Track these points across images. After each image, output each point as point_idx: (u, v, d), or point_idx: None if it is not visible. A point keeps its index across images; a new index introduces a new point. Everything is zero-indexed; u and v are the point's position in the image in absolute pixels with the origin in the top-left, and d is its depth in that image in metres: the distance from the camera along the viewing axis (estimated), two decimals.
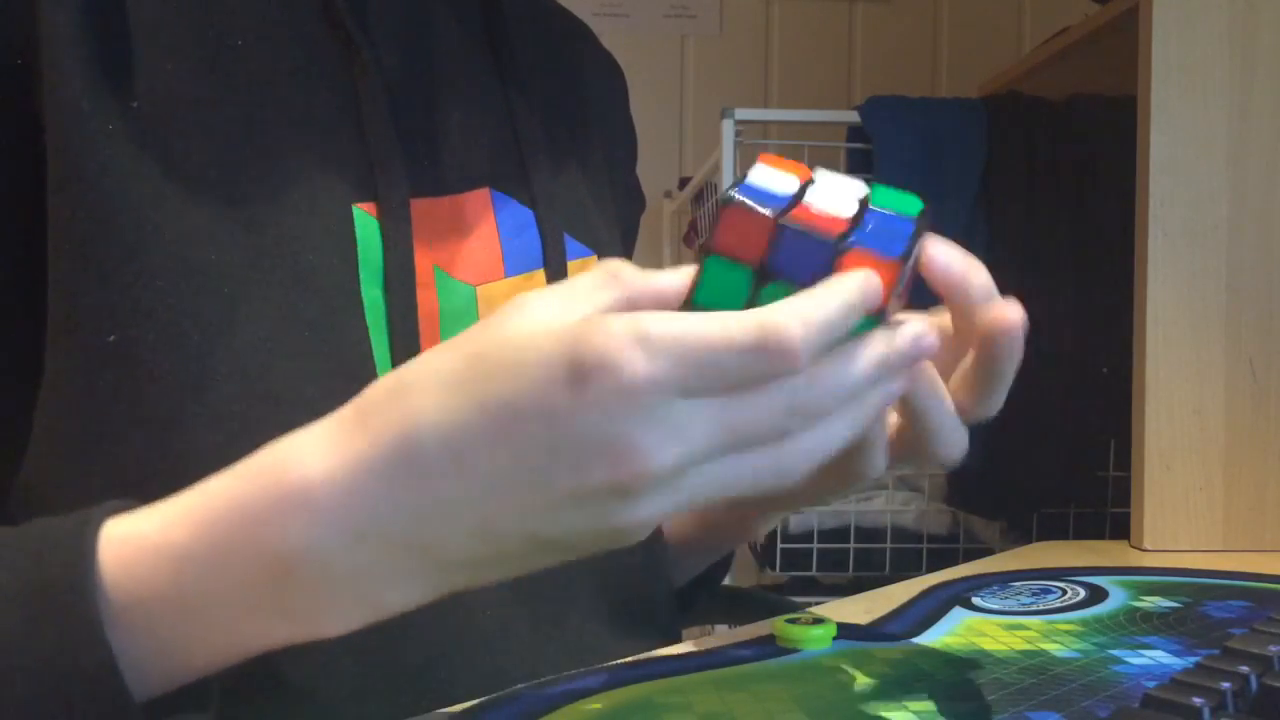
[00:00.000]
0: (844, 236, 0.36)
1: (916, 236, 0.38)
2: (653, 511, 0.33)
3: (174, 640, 0.35)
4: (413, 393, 0.34)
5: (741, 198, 0.36)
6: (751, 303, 0.36)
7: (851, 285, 0.35)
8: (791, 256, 0.36)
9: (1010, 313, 0.41)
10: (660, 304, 0.36)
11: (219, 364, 0.44)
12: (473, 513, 0.33)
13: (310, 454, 0.35)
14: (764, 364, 0.32)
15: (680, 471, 0.32)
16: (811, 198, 0.37)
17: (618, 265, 0.37)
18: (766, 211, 0.36)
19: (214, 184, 0.45)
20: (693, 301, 0.37)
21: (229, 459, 0.40)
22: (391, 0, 0.54)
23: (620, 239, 0.68)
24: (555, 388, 0.32)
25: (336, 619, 0.35)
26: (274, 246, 0.46)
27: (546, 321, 0.34)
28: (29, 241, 0.43)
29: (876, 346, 0.35)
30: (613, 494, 0.32)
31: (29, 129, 0.43)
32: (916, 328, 0.36)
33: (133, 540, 0.35)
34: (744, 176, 0.38)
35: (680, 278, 0.37)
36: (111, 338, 0.43)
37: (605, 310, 0.35)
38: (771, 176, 0.38)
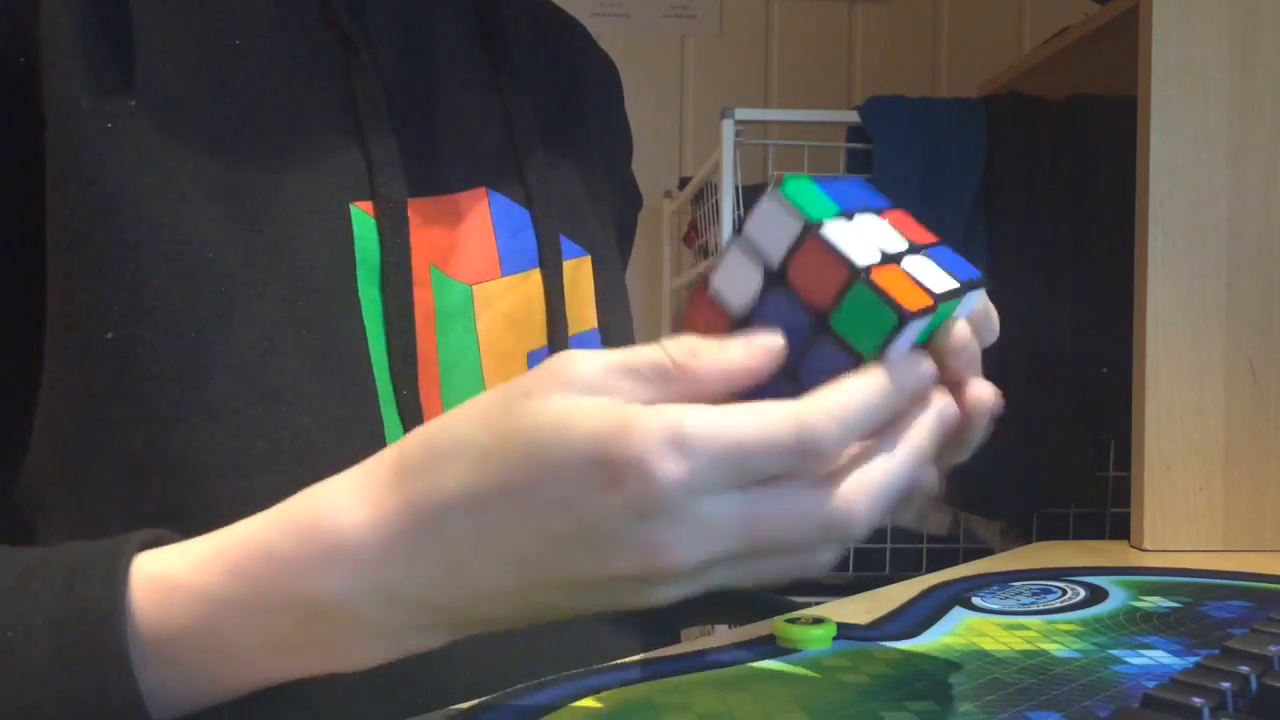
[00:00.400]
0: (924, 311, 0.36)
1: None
2: (674, 595, 0.34)
3: (200, 674, 0.36)
4: (446, 464, 0.34)
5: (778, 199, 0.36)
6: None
7: (883, 381, 0.35)
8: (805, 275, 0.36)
9: (982, 393, 0.40)
10: (712, 396, 0.35)
11: (216, 362, 0.44)
12: (498, 586, 0.34)
13: (345, 507, 0.35)
14: (799, 464, 0.33)
15: (703, 569, 0.33)
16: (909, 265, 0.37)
17: (684, 354, 0.34)
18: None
19: (212, 182, 0.45)
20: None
21: (225, 456, 0.40)
22: (389, 1, 0.54)
23: (616, 238, 0.68)
24: (586, 485, 0.32)
25: (362, 658, 0.36)
26: (271, 245, 0.46)
27: (583, 405, 0.33)
28: (28, 239, 0.43)
29: (897, 394, 0.35)
30: (635, 583, 0.33)
31: (29, 126, 0.43)
32: (926, 370, 0.37)
33: (166, 580, 0.35)
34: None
35: (743, 362, 0.35)
36: (109, 335, 0.43)
37: (654, 401, 0.34)
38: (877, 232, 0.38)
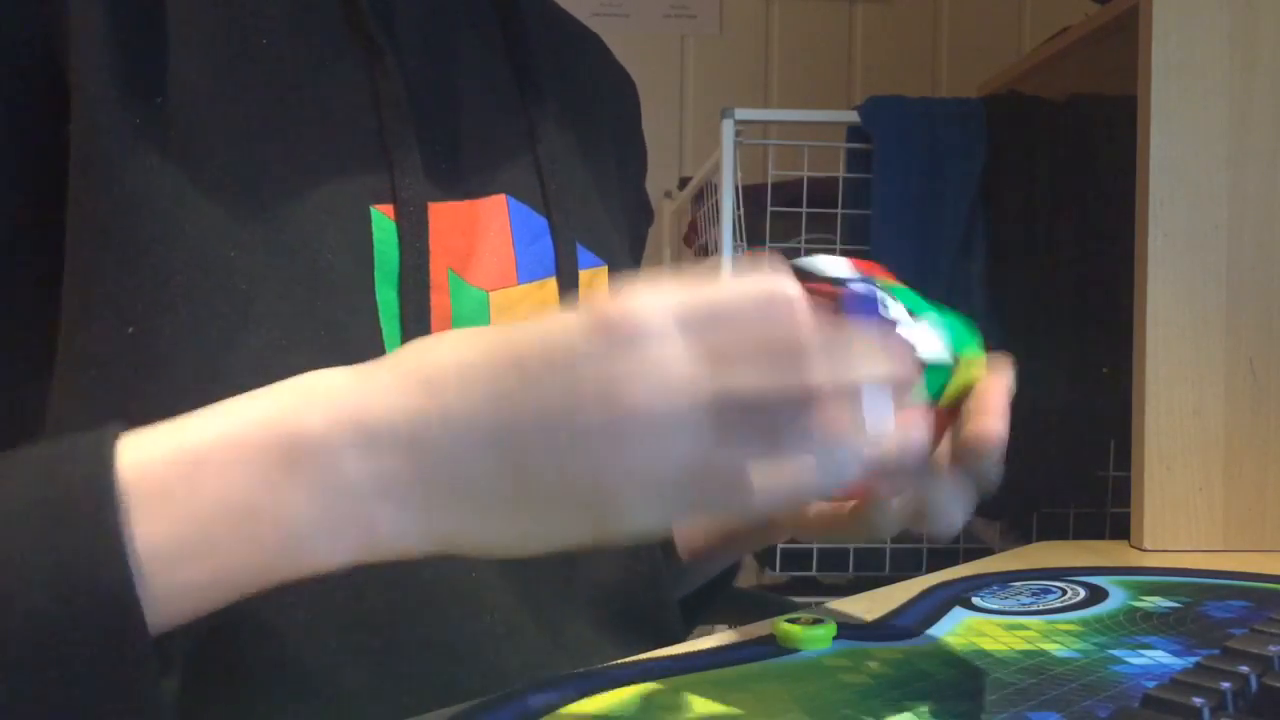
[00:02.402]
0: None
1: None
2: (644, 476, 0.34)
3: (185, 547, 0.34)
4: (438, 340, 0.36)
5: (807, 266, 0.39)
6: None
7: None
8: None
9: (993, 429, 0.41)
10: None
11: (235, 359, 0.44)
12: (472, 429, 0.34)
13: (335, 372, 0.37)
14: (770, 315, 0.34)
15: (671, 431, 0.33)
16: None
17: None
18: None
19: (234, 181, 0.46)
20: None
21: None
22: (414, 6, 0.55)
23: (629, 249, 0.68)
24: (570, 334, 0.34)
25: (330, 537, 0.35)
26: (291, 246, 0.46)
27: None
28: (48, 231, 0.44)
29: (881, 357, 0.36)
30: (600, 422, 0.33)
31: (53, 118, 0.43)
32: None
33: (148, 441, 0.35)
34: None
35: None
36: (130, 329, 0.43)
37: None
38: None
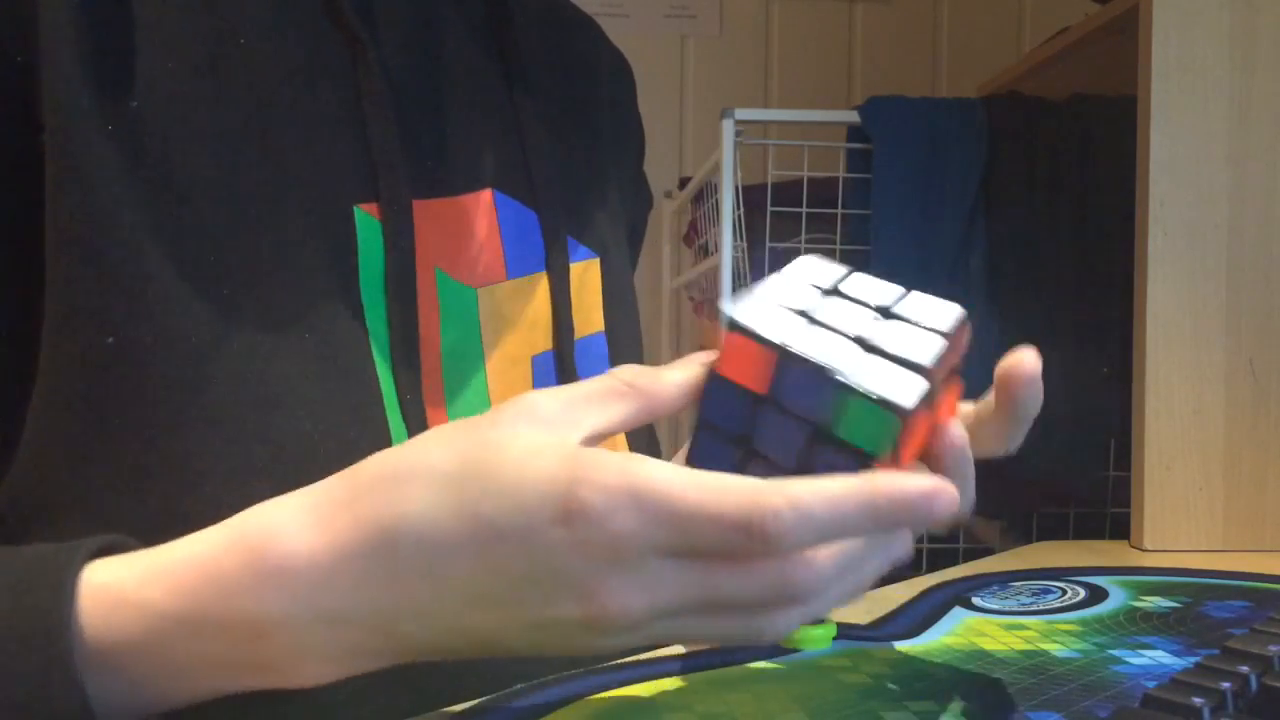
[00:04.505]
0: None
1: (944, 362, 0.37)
2: (618, 645, 0.34)
3: (146, 685, 0.36)
4: (403, 485, 0.34)
5: (746, 324, 0.36)
6: (752, 425, 0.36)
7: (865, 499, 0.32)
8: (794, 390, 0.35)
9: (1027, 361, 0.41)
10: (670, 410, 0.37)
11: (217, 367, 0.43)
12: (443, 618, 0.34)
13: (294, 531, 0.35)
14: (746, 546, 0.32)
15: (648, 621, 0.33)
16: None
17: (632, 375, 0.37)
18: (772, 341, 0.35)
19: (214, 184, 0.45)
20: (700, 418, 0.37)
21: (226, 461, 0.40)
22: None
23: (626, 238, 0.68)
24: (542, 522, 0.32)
25: (310, 677, 0.36)
26: (274, 248, 0.46)
27: (549, 443, 0.34)
28: (26, 242, 0.43)
29: (874, 518, 0.33)
30: (580, 627, 0.33)
31: (27, 127, 0.43)
32: (926, 486, 0.33)
33: (112, 591, 0.35)
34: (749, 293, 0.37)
35: (687, 379, 0.37)
36: (110, 339, 0.42)
37: (616, 422, 0.36)
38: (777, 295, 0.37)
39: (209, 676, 0.36)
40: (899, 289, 0.39)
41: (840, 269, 0.40)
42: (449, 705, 0.43)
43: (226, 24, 0.47)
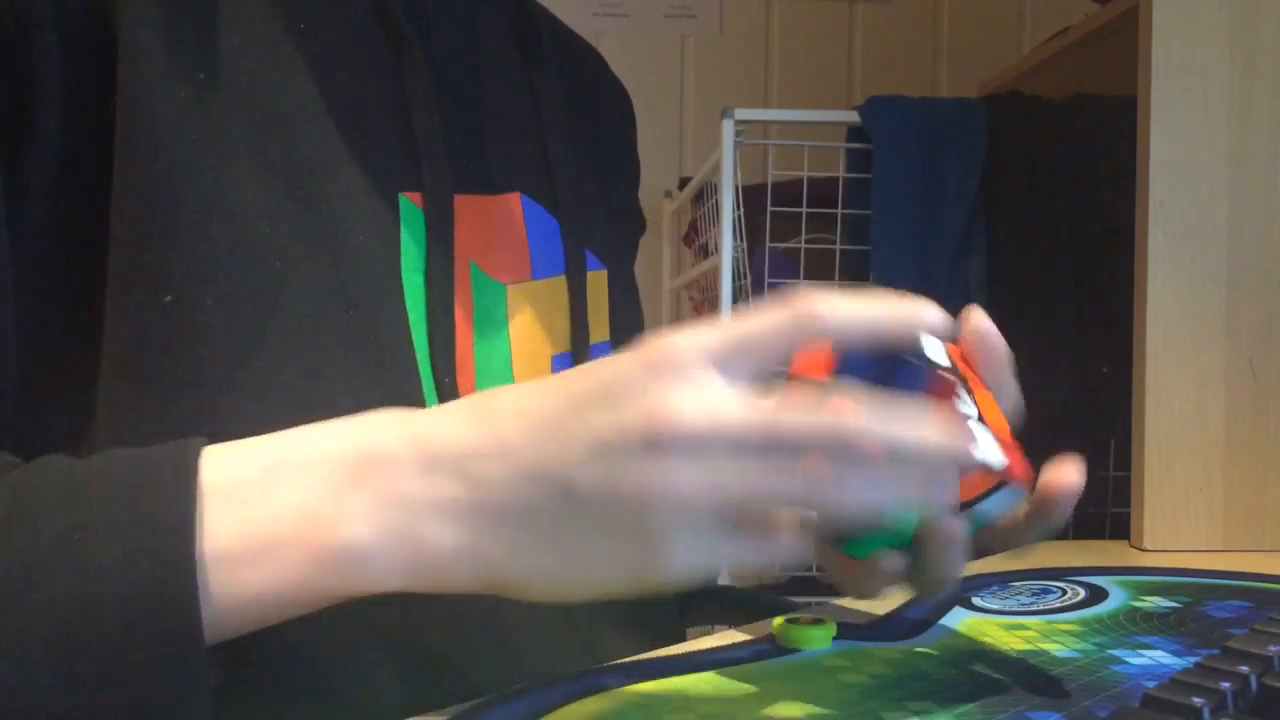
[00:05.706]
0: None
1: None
2: (682, 484, 0.34)
3: (248, 550, 0.36)
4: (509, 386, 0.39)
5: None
6: None
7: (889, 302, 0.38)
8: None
9: (1070, 476, 0.46)
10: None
11: (267, 334, 0.45)
12: (522, 452, 0.36)
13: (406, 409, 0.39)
14: (793, 327, 0.36)
15: (710, 447, 0.34)
16: None
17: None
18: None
19: (271, 159, 0.46)
20: None
21: (270, 425, 0.41)
22: (442, 4, 0.56)
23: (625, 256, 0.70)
24: (619, 359, 0.36)
25: (384, 555, 0.36)
26: (323, 223, 0.47)
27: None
28: (92, 200, 0.44)
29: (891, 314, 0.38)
30: (644, 448, 0.34)
31: (102, 87, 0.44)
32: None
33: (229, 451, 0.38)
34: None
35: None
36: (169, 298, 0.43)
37: None
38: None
39: (299, 555, 0.36)
40: None
41: None
42: (453, 704, 0.43)
43: (291, 9, 0.49)
